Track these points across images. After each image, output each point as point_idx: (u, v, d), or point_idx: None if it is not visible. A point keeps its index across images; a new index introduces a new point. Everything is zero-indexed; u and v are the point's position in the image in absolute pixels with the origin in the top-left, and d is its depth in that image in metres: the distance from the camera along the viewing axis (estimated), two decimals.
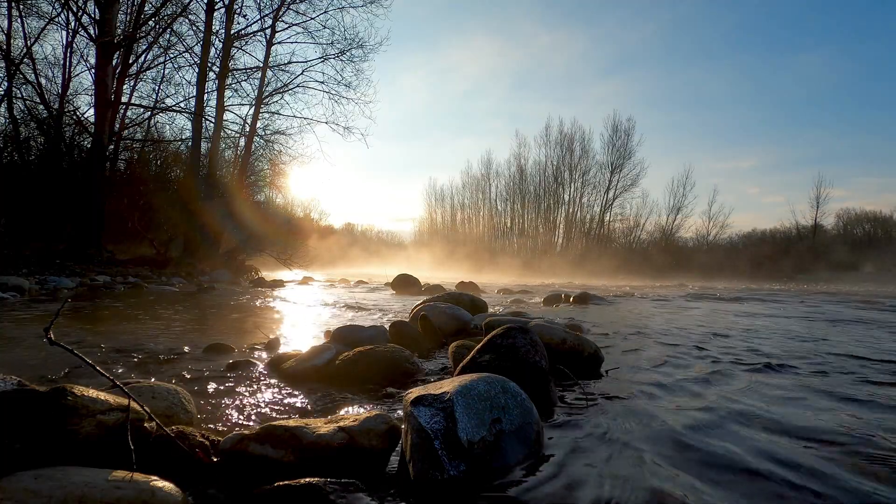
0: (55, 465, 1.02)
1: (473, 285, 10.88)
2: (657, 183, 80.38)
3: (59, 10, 14.62)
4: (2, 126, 15.28)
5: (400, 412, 1.71)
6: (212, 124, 16.55)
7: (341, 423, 1.27)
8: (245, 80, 17.83)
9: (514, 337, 1.96)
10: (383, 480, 1.20)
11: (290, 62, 18.22)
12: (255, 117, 17.76)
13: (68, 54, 16.74)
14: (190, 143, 16.87)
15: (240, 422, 1.63)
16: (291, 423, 1.25)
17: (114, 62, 13.57)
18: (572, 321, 4.41)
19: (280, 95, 18.46)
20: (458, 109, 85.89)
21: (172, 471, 1.11)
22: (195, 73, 16.43)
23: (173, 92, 22.19)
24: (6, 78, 14.58)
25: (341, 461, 1.19)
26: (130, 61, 15.30)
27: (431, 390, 1.33)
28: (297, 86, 18.40)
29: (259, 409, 1.76)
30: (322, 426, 1.25)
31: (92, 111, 14.14)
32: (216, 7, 16.13)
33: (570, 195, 44.26)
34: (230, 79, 17.11)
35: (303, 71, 18.32)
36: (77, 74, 18.62)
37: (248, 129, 18.00)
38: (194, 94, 16.34)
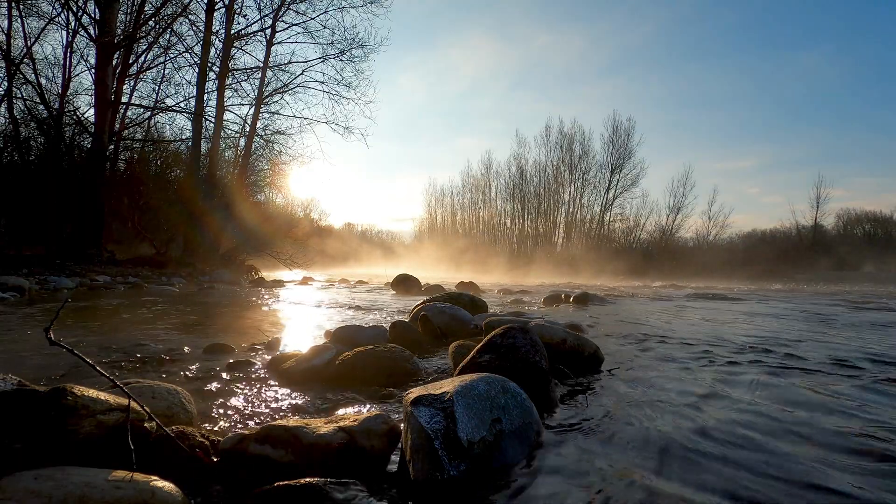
0: (55, 465, 1.02)
1: (473, 285, 10.87)
2: (657, 183, 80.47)
3: (59, 10, 14.63)
4: (2, 126, 15.29)
5: (400, 412, 1.71)
6: (212, 124, 16.58)
7: (341, 424, 1.27)
8: (245, 80, 17.88)
9: (514, 337, 1.96)
10: (383, 480, 1.20)
11: (290, 62, 18.27)
12: (255, 117, 17.79)
13: (68, 54, 16.74)
14: (190, 143, 16.91)
15: (240, 422, 1.62)
16: (291, 423, 1.25)
17: (114, 62, 13.57)
18: (572, 321, 4.41)
19: (280, 95, 18.51)
20: (458, 109, 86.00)
21: (172, 471, 1.11)
22: (195, 73, 16.47)
23: (173, 92, 22.28)
24: (6, 78, 14.59)
25: (341, 461, 1.19)
26: (130, 61, 15.32)
27: (431, 390, 1.33)
28: (297, 86, 18.45)
29: (259, 410, 1.76)
30: (322, 426, 1.25)
31: (92, 111, 14.17)
32: (216, 7, 16.14)
33: (570, 195, 44.25)
34: (230, 79, 17.13)
35: (303, 71, 18.37)
36: (77, 74, 18.59)
37: (248, 129, 18.04)
38: (194, 94, 16.38)
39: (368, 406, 1.84)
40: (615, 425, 1.61)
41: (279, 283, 13.14)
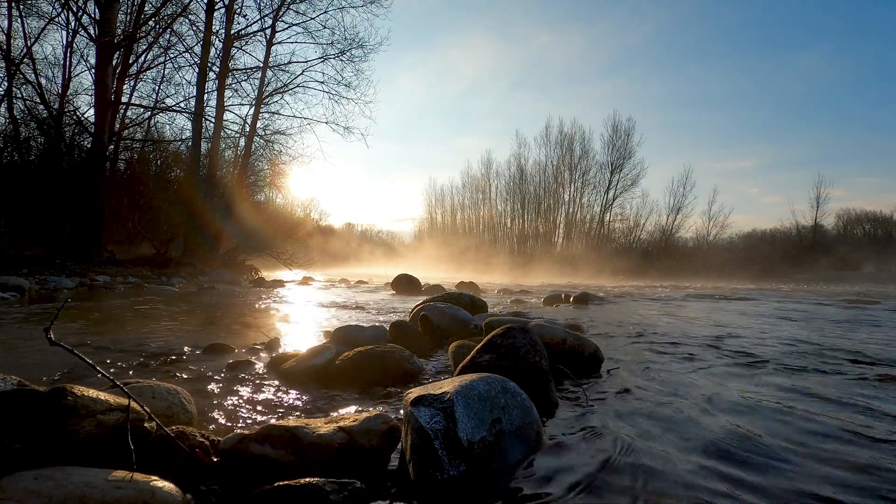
0: (55, 465, 1.02)
1: (473, 285, 10.88)
2: (657, 183, 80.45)
3: (59, 10, 14.63)
4: (2, 126, 15.29)
5: (400, 412, 1.71)
6: (212, 124, 16.57)
7: (341, 423, 1.27)
8: (245, 80, 17.85)
9: (514, 337, 1.96)
10: (383, 480, 1.20)
11: (290, 62, 18.25)
12: (255, 117, 17.77)
13: (68, 54, 16.74)
14: (190, 143, 16.90)
15: (240, 422, 1.63)
16: (291, 423, 1.25)
17: (114, 62, 13.57)
18: (572, 321, 4.41)
19: (280, 95, 18.48)
20: (458, 109, 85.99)
21: (172, 471, 1.11)
22: (195, 73, 16.46)
23: (173, 92, 22.30)
24: (6, 78, 14.59)
25: (341, 461, 1.19)
26: (130, 61, 15.31)
27: (431, 390, 1.33)
28: (297, 86, 18.43)
29: (259, 410, 1.76)
30: (322, 426, 1.25)
31: (92, 111, 14.16)
32: (216, 7, 16.14)
33: (570, 195, 44.20)
34: (230, 79, 17.12)
35: (303, 71, 18.35)
36: (77, 74, 18.56)
37: (248, 129, 18.02)
38: (194, 94, 16.37)
39: (368, 406, 1.84)
40: (614, 425, 1.61)
41: (279, 283, 13.14)
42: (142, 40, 15.41)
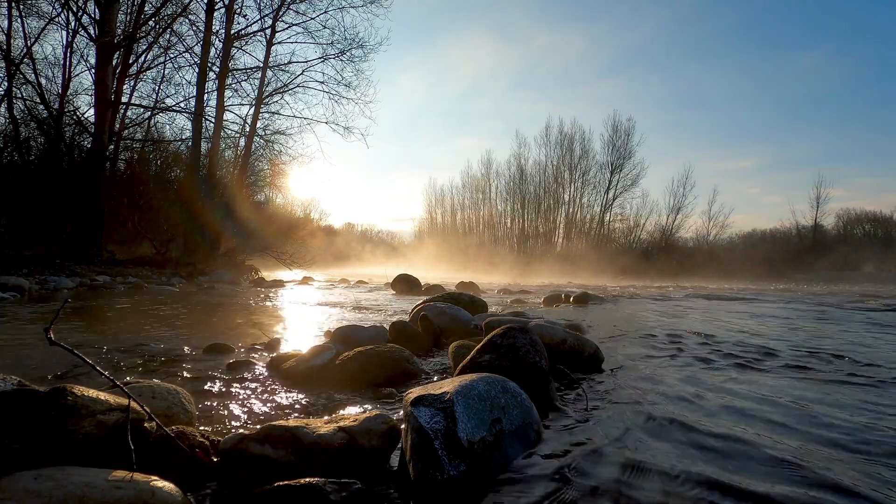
0: (55, 465, 1.02)
1: (473, 285, 10.87)
2: (657, 183, 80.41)
3: (59, 10, 14.62)
4: (2, 126, 15.29)
5: (400, 412, 1.71)
6: (212, 124, 16.57)
7: (341, 423, 1.27)
8: (245, 80, 17.86)
9: (514, 337, 1.96)
10: (383, 480, 1.20)
11: (290, 62, 18.26)
12: (255, 117, 17.77)
13: (68, 54, 16.73)
14: (190, 143, 16.90)
15: (240, 422, 1.63)
16: (291, 423, 1.25)
17: (114, 62, 13.56)
18: (572, 321, 4.41)
19: (280, 95, 18.49)
20: (458, 109, 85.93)
21: (172, 471, 1.11)
22: (195, 73, 16.46)
23: (173, 92, 22.30)
24: (6, 78, 14.58)
25: (341, 461, 1.19)
26: (130, 61, 15.30)
27: (431, 390, 1.33)
28: (297, 86, 18.43)
29: (259, 409, 1.76)
30: (322, 426, 1.25)
31: (92, 111, 14.16)
32: (216, 7, 16.13)
33: (570, 195, 44.20)
34: (230, 79, 17.12)
35: (303, 71, 18.36)
36: (77, 74, 18.54)
37: (248, 129, 18.02)
38: (194, 94, 16.37)
39: (368, 406, 1.84)
40: (614, 425, 1.61)
41: (279, 283, 13.14)
42: (142, 40, 15.40)
